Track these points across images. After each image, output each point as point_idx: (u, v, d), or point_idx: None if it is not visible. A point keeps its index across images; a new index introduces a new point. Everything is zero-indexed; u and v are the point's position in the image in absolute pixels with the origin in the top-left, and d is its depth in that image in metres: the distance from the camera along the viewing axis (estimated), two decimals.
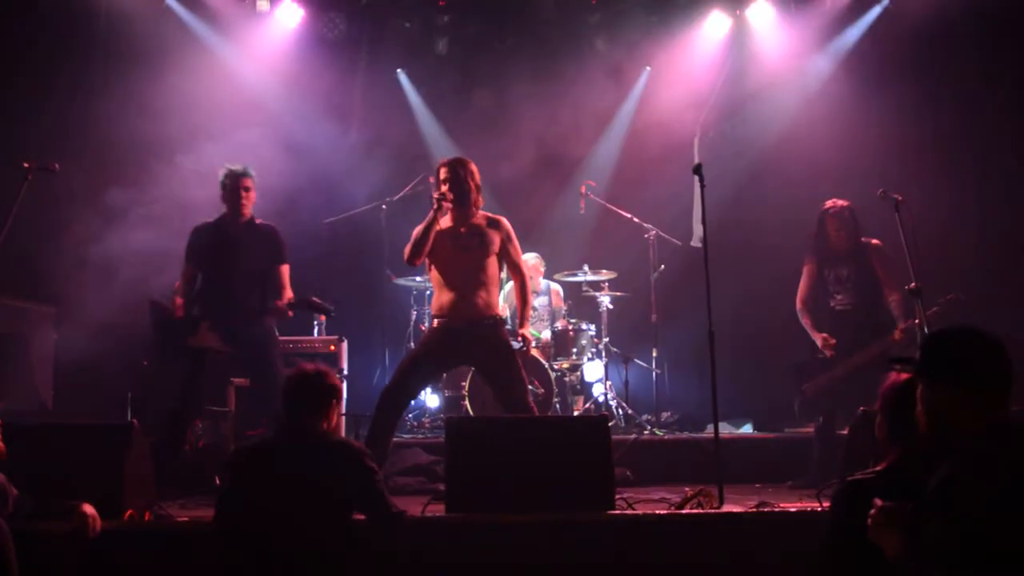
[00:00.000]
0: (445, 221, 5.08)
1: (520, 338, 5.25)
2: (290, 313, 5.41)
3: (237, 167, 5.53)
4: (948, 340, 2.51)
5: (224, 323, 5.27)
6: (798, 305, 6.02)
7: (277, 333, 5.67)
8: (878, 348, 5.56)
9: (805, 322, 5.97)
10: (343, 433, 6.69)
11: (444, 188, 5.03)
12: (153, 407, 6.11)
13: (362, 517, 3.61)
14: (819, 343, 5.84)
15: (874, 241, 5.89)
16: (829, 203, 5.94)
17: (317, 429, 3.51)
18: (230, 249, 5.42)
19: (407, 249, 5.05)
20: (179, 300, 5.37)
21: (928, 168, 7.31)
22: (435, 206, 4.98)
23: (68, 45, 7.41)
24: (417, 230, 5.07)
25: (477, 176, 5.16)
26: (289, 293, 5.47)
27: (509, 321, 7.61)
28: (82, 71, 7.35)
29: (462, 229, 5.09)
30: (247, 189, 5.51)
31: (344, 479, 3.44)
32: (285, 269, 5.52)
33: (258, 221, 5.58)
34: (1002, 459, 2.28)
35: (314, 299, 5.34)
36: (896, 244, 5.36)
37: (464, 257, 5.03)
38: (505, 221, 5.23)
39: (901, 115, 7.70)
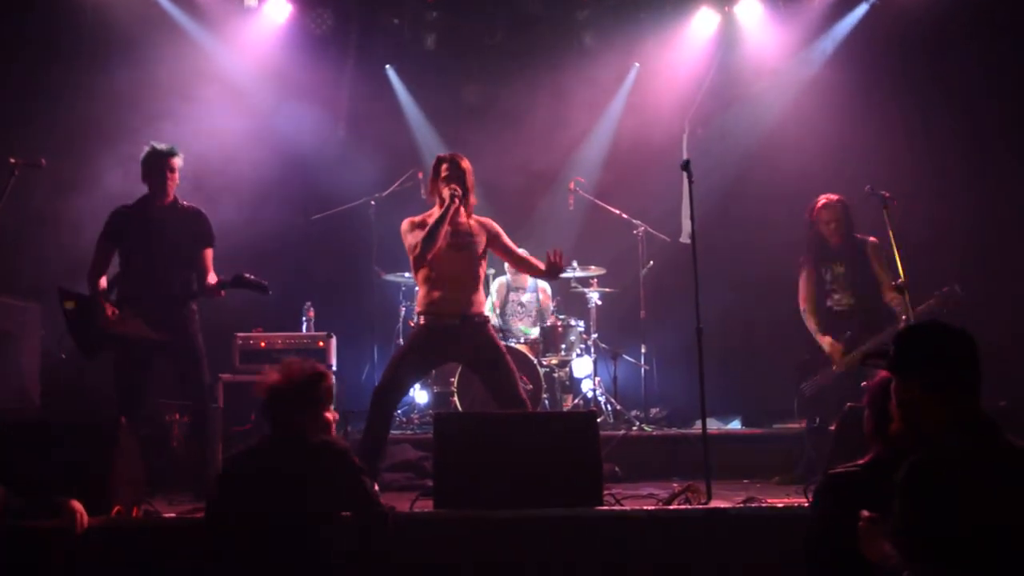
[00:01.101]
0: (434, 217, 5.05)
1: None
2: (222, 293, 5.23)
3: (162, 146, 5.34)
4: (918, 335, 2.55)
5: (147, 308, 5.09)
6: (802, 306, 5.94)
7: (198, 317, 5.40)
8: (877, 345, 5.56)
9: (810, 324, 5.89)
10: (333, 430, 6.68)
11: (454, 185, 5.01)
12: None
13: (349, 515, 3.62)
14: (825, 347, 5.78)
15: (871, 239, 5.86)
16: (822, 197, 5.92)
17: (303, 430, 3.50)
18: (154, 231, 5.23)
19: (420, 243, 4.94)
20: (103, 282, 5.17)
21: (919, 164, 7.32)
22: (449, 201, 4.96)
23: (54, 41, 7.37)
24: (407, 224, 5.08)
25: (472, 175, 5.17)
26: (214, 277, 5.29)
27: (495, 319, 7.65)
28: (69, 67, 7.31)
29: (457, 228, 5.06)
30: (172, 170, 5.32)
31: (330, 478, 3.44)
32: (209, 253, 5.34)
33: (183, 203, 5.40)
34: (965, 452, 2.31)
35: (246, 276, 5.12)
36: (883, 240, 5.39)
37: (456, 256, 5.02)
38: (492, 221, 5.25)
39: (890, 110, 7.71)
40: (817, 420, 5.74)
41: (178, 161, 5.36)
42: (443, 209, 4.97)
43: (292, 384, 3.48)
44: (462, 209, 5.08)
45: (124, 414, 4.94)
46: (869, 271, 5.80)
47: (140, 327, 5.04)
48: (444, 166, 5.10)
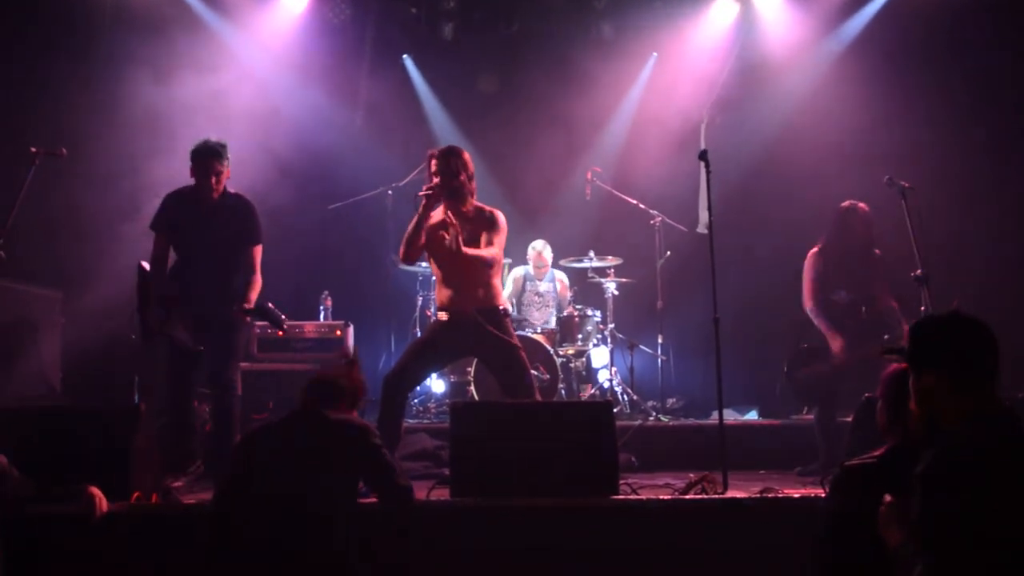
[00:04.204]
0: (437, 215, 4.98)
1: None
2: (248, 319, 5.14)
3: (213, 140, 5.09)
4: (934, 326, 2.54)
5: (193, 311, 5.01)
6: (810, 304, 5.86)
7: (243, 322, 5.22)
8: (882, 345, 5.56)
9: (821, 322, 5.80)
10: None
11: (434, 180, 4.91)
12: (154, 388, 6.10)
13: (371, 500, 3.65)
14: (835, 348, 5.70)
15: (877, 251, 5.89)
16: (854, 204, 5.86)
17: (323, 412, 3.54)
18: (202, 226, 5.06)
19: (401, 248, 4.98)
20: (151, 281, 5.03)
21: (939, 154, 7.24)
22: (422, 201, 4.89)
23: (74, 29, 7.41)
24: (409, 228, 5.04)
25: (470, 166, 5.01)
26: (258, 277, 5.14)
27: (512, 309, 7.66)
28: (88, 56, 7.36)
29: (454, 223, 4.95)
30: (219, 171, 5.04)
31: (350, 457, 3.46)
32: (257, 251, 5.17)
33: (232, 193, 5.17)
34: (985, 443, 2.29)
35: (269, 307, 5.09)
36: (903, 231, 5.35)
37: (456, 253, 4.91)
38: (498, 215, 5.05)
39: (911, 100, 7.62)
40: (818, 409, 5.73)
41: (224, 162, 5.09)
42: (417, 214, 4.92)
43: (347, 379, 3.62)
44: (464, 201, 4.98)
45: (175, 402, 5.02)
46: (876, 278, 5.82)
47: (183, 334, 4.99)
48: (432, 163, 4.98)
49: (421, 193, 4.91)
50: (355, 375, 3.72)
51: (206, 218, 5.07)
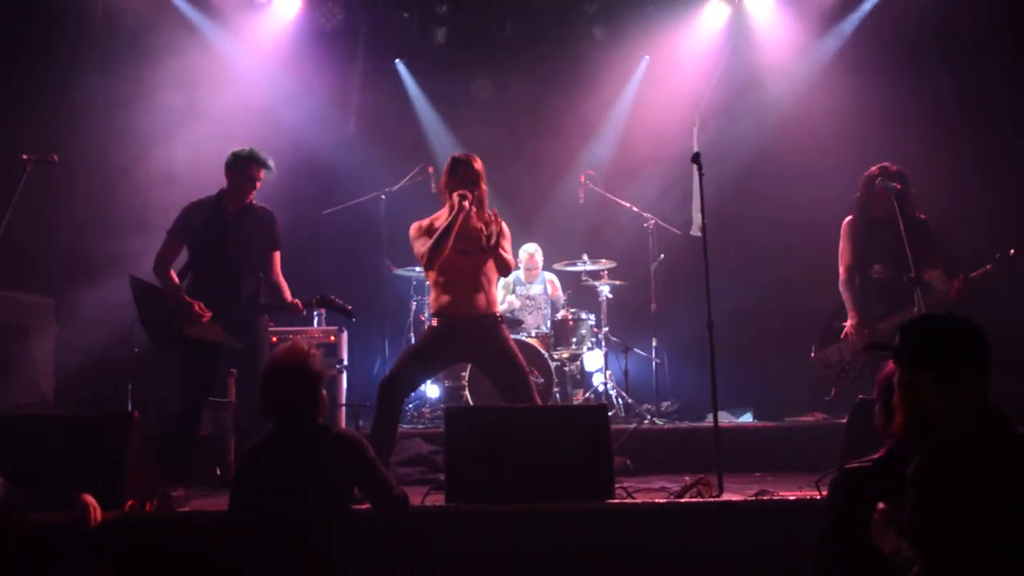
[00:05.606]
0: (441, 221, 4.97)
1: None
2: (303, 311, 5.23)
3: (263, 155, 5.28)
4: (925, 327, 2.54)
5: (226, 313, 5.09)
6: (843, 276, 5.85)
7: (267, 328, 5.43)
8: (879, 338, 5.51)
9: (846, 298, 5.82)
10: (343, 422, 6.72)
11: (464, 190, 4.89)
12: (153, 397, 6.08)
13: (366, 506, 3.65)
14: (848, 325, 5.74)
15: (922, 215, 5.73)
16: (888, 167, 5.73)
17: (311, 421, 3.52)
18: (227, 234, 5.21)
19: (427, 252, 4.89)
20: (176, 282, 5.12)
21: (932, 153, 7.22)
22: (458, 209, 4.86)
23: (66, 36, 7.40)
24: (414, 229, 5.02)
25: (484, 174, 5.07)
26: (282, 280, 5.34)
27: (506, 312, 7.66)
28: (80, 62, 7.35)
29: (465, 231, 4.94)
30: (259, 180, 5.29)
31: (343, 470, 3.46)
32: (276, 256, 5.38)
33: (256, 203, 5.38)
34: (974, 443, 2.30)
35: (332, 297, 5.17)
36: (896, 232, 5.35)
37: (463, 260, 4.93)
38: (503, 224, 5.05)
39: (903, 100, 7.61)
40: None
41: (269, 175, 5.33)
42: (451, 217, 4.89)
43: (281, 366, 3.50)
44: (473, 211, 4.97)
45: (190, 411, 5.04)
46: (915, 247, 5.48)
47: (220, 333, 5.04)
48: (460, 168, 4.99)
49: (458, 195, 4.89)
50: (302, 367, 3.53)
51: (233, 228, 5.23)
